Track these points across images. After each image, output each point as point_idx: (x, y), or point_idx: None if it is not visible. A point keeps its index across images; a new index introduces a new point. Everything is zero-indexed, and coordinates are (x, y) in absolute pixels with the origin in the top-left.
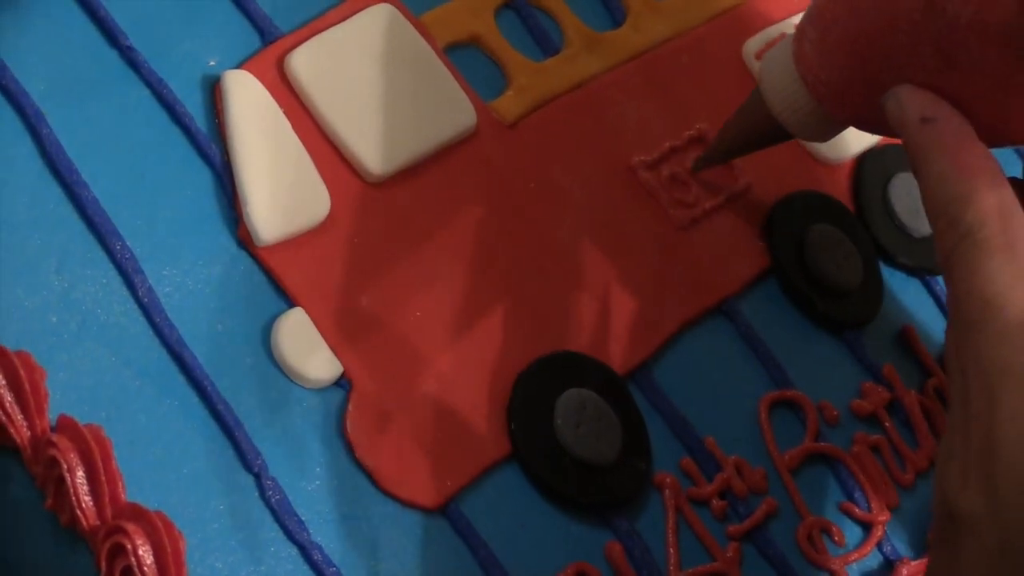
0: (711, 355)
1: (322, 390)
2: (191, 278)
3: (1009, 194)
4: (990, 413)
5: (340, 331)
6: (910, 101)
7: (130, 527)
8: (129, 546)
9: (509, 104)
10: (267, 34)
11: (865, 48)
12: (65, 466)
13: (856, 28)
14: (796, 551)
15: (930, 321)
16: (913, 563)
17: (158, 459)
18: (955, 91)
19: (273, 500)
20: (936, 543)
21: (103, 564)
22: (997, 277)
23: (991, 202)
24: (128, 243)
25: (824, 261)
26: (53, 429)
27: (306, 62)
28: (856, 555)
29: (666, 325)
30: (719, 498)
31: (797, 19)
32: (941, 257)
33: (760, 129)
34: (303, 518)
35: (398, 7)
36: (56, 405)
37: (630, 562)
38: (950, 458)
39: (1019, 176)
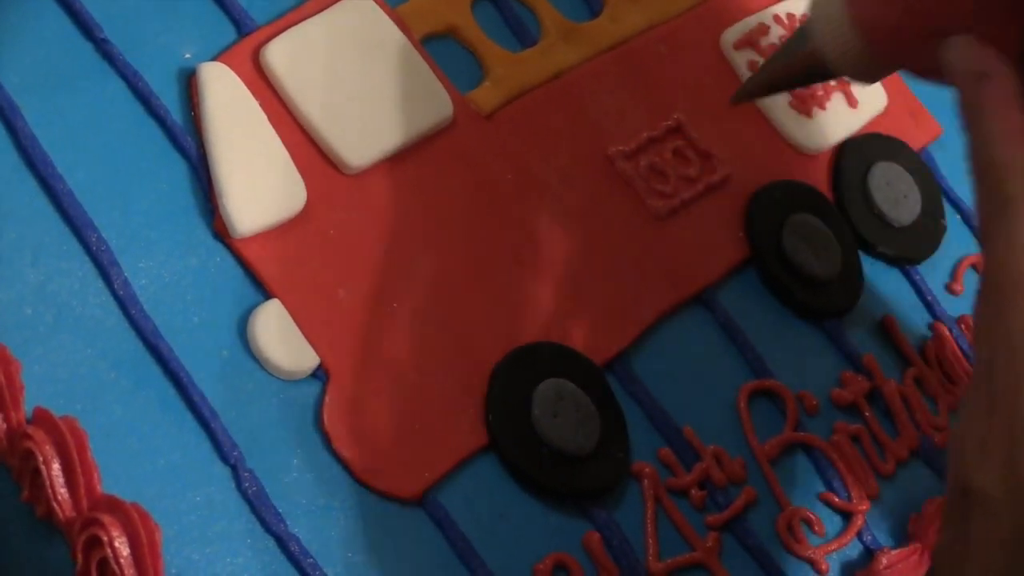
0: (690, 345)
1: (299, 382)
2: (167, 270)
3: None
4: (1017, 392)
5: (317, 323)
6: (967, 54)
7: (106, 519)
8: (105, 538)
9: (486, 95)
10: (243, 26)
11: None
12: (41, 458)
13: None
14: (776, 541)
15: (910, 310)
16: (893, 552)
17: (134, 451)
18: (1009, 47)
19: (250, 492)
20: (947, 518)
21: (79, 556)
22: None
23: None
24: (104, 235)
25: (803, 251)
26: (28, 421)
27: (282, 54)
28: (836, 544)
29: (644, 315)
30: (698, 488)
31: (776, 9)
32: (980, 222)
33: (804, 65)
34: (280, 509)
35: None
36: (31, 398)
37: (608, 552)
38: (969, 431)
39: None
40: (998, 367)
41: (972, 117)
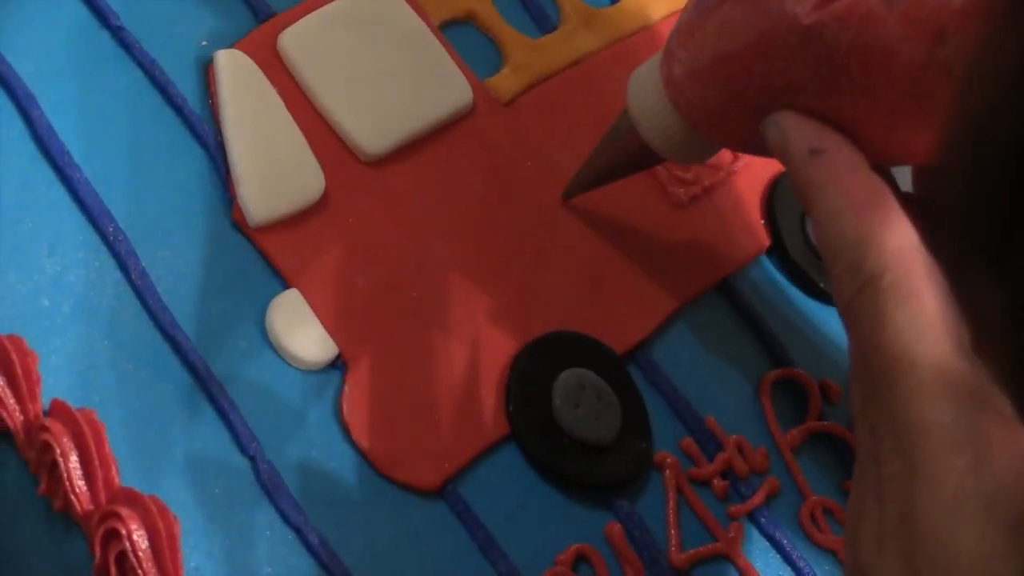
0: (711, 334)
1: (318, 372)
2: (184, 260)
3: (909, 232)
4: (907, 477)
5: (335, 312)
6: (795, 130)
7: (124, 511)
8: (123, 531)
9: (505, 82)
10: (260, 13)
11: (740, 72)
12: (58, 451)
13: (729, 51)
14: (799, 531)
15: None
16: None
17: (152, 443)
18: (837, 116)
19: (269, 483)
20: None
21: (97, 549)
22: (905, 329)
23: (892, 244)
24: (121, 225)
25: None
26: (46, 414)
27: (300, 41)
28: None
29: (665, 304)
30: (720, 478)
31: None
32: (841, 305)
33: (633, 154)
34: (299, 501)
35: None
36: (49, 390)
37: (631, 543)
38: (861, 519)
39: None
40: (884, 451)
41: (812, 196)
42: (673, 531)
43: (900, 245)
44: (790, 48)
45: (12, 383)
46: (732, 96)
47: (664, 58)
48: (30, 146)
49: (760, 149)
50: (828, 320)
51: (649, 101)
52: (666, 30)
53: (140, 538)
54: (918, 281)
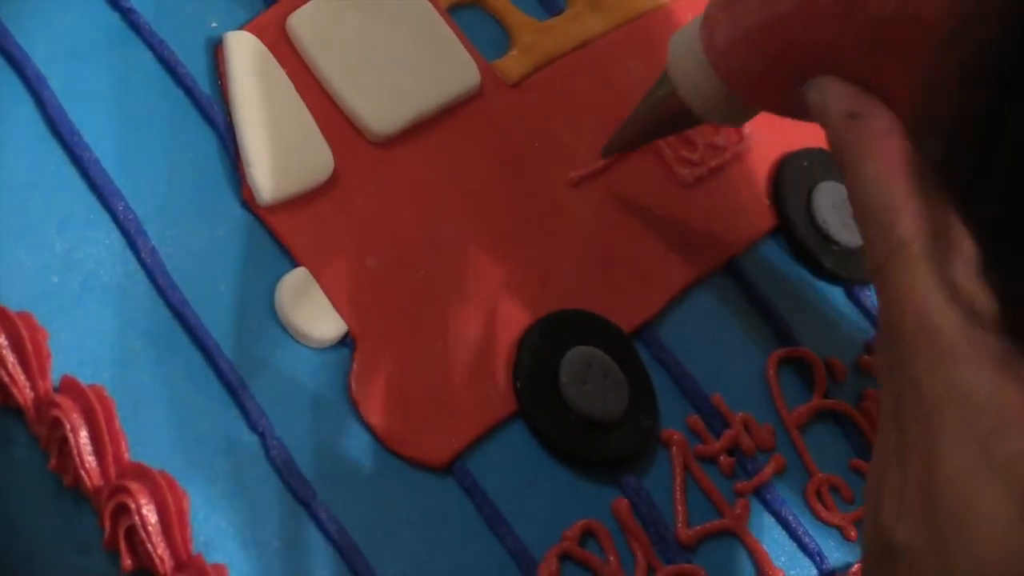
0: (717, 312)
1: (327, 349)
2: (194, 239)
3: (942, 200)
4: (930, 441)
5: (344, 291)
6: (835, 94)
7: (134, 486)
8: (133, 505)
9: (513, 63)
10: None
11: (782, 38)
12: (68, 426)
13: (771, 17)
14: (805, 508)
15: None
16: None
17: (162, 419)
18: (878, 81)
19: (278, 460)
20: (868, 571)
21: (107, 524)
22: (932, 296)
23: (924, 212)
24: (130, 204)
25: (832, 219)
26: (56, 390)
27: (308, 22)
28: None
29: (672, 283)
30: (727, 455)
31: None
32: (872, 267)
33: (671, 115)
34: (308, 478)
35: None
36: (59, 366)
37: (638, 519)
38: (883, 484)
39: None
40: (906, 417)
41: (849, 159)
42: (680, 507)
43: (932, 212)
44: (833, 14)
45: (22, 359)
46: (773, 62)
47: (704, 23)
48: (40, 126)
49: (800, 112)
50: (834, 300)
51: (689, 65)
52: (674, 10)
53: (150, 512)
54: (948, 250)
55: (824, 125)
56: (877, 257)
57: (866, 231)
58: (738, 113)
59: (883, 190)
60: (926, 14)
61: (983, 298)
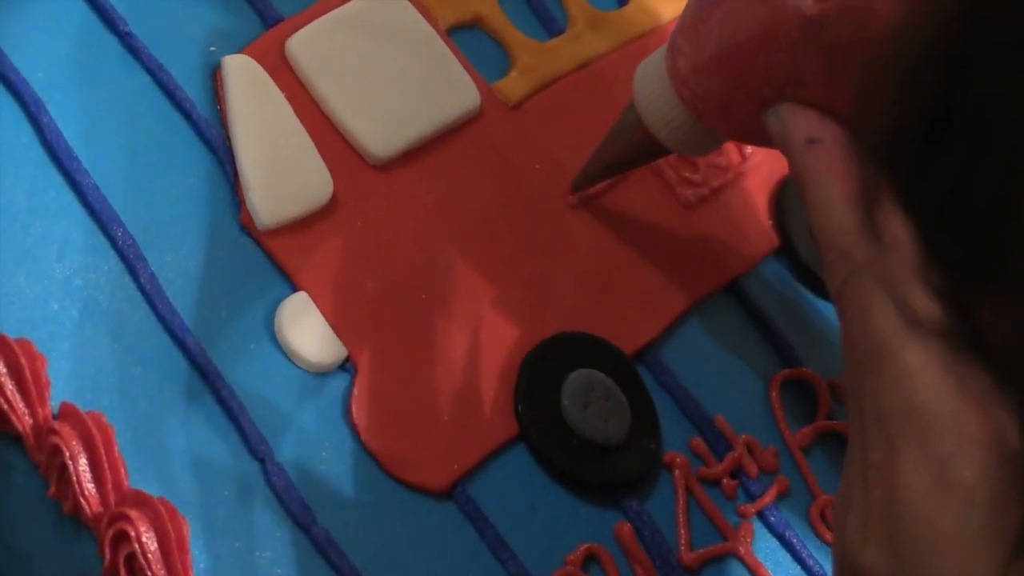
0: (720, 334)
1: (327, 374)
2: (193, 264)
3: (901, 222)
4: (891, 463)
5: (344, 315)
6: (794, 120)
7: (133, 514)
8: (133, 533)
9: (513, 85)
10: (268, 18)
11: (744, 64)
12: (67, 454)
13: (733, 44)
14: (808, 530)
15: None
16: None
17: (161, 446)
18: (840, 107)
19: (279, 486)
20: None
21: (107, 551)
22: (889, 319)
23: (881, 234)
24: (129, 229)
25: None
26: (55, 417)
27: (307, 45)
28: None
29: (674, 305)
30: (730, 477)
31: None
32: (833, 291)
33: (638, 146)
34: (309, 503)
35: None
36: (58, 393)
37: (640, 543)
38: (849, 508)
39: None
40: (871, 438)
41: (807, 184)
42: (683, 531)
43: (892, 235)
44: (793, 41)
45: (21, 387)
46: (736, 88)
47: (669, 51)
48: (39, 151)
49: (764, 140)
50: (836, 320)
51: (655, 93)
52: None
53: (149, 540)
54: (907, 272)
55: (784, 152)
56: (837, 280)
57: (826, 256)
58: (703, 142)
59: (840, 215)
60: (883, 37)
61: (941, 317)
